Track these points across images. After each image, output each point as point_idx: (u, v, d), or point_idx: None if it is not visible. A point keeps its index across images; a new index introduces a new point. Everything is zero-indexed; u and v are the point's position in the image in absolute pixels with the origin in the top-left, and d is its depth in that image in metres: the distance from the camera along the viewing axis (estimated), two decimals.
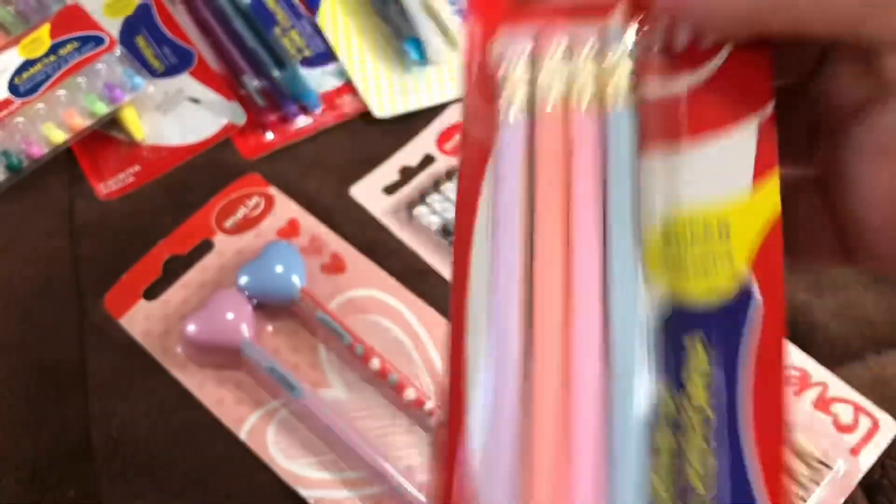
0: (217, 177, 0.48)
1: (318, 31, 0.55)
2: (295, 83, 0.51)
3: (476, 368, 0.19)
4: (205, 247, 0.45)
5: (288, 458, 0.39)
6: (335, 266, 0.45)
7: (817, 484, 0.37)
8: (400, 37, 0.53)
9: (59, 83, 0.48)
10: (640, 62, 0.20)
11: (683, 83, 0.20)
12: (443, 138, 0.50)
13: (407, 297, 0.44)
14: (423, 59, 0.52)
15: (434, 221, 0.46)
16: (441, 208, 0.47)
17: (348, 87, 0.53)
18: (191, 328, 0.41)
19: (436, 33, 0.53)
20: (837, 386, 0.40)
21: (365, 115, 0.51)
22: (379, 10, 0.54)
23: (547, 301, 0.19)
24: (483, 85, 0.21)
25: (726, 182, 0.19)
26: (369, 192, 0.48)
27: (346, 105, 0.52)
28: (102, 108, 0.49)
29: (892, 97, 0.18)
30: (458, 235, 0.20)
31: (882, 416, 0.39)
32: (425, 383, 0.41)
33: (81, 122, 0.48)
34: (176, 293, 0.44)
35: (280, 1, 0.56)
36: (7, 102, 0.47)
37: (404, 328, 0.43)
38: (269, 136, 0.51)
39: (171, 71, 0.53)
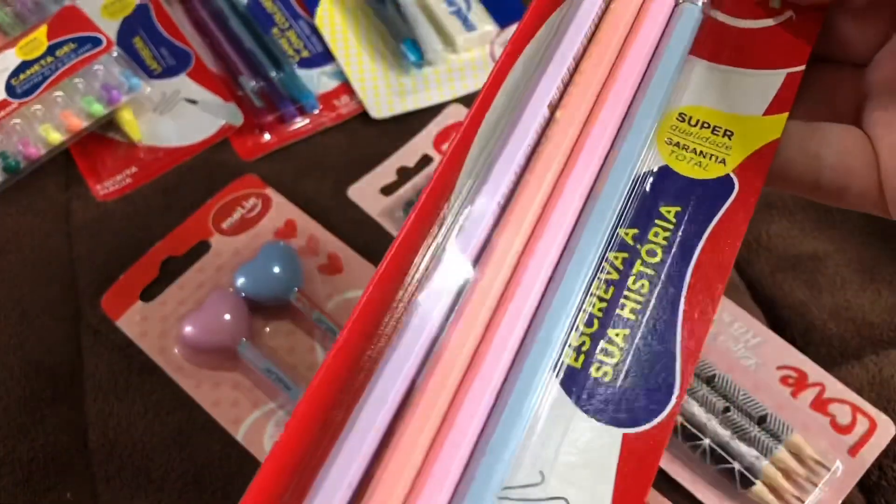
0: (214, 178, 0.48)
1: (315, 32, 0.55)
2: (292, 84, 0.52)
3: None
4: (202, 248, 0.45)
5: None
6: (332, 267, 0.45)
7: (815, 484, 0.37)
8: (397, 38, 0.53)
9: (57, 84, 0.48)
10: None
11: (745, 23, 0.25)
12: (440, 139, 0.50)
13: None
14: (421, 60, 0.52)
15: None
16: None
17: (346, 87, 0.53)
18: (188, 329, 0.41)
19: (433, 34, 0.53)
20: (835, 386, 0.40)
21: (362, 116, 0.52)
22: (376, 11, 0.54)
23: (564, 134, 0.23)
24: None
25: (743, 103, 0.24)
26: (366, 193, 0.48)
27: (344, 106, 0.52)
28: (100, 110, 0.49)
29: None
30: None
31: (880, 416, 0.39)
32: None
33: (79, 124, 0.48)
34: (173, 294, 0.44)
35: (278, 2, 0.56)
36: (4, 104, 0.47)
37: None
38: (267, 137, 0.51)
39: (168, 72, 0.53)
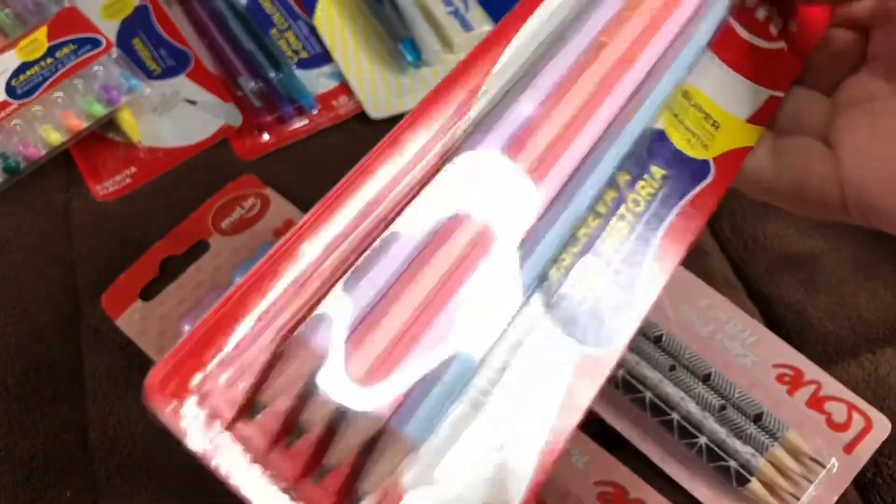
0: (213, 178, 0.48)
1: (314, 33, 0.55)
2: (291, 85, 0.52)
3: None
4: (201, 247, 0.46)
5: None
6: None
7: (811, 482, 0.37)
8: (395, 38, 0.53)
9: (57, 85, 0.48)
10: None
11: (748, 35, 0.28)
12: None
13: None
14: (419, 60, 0.52)
15: None
16: None
17: (344, 88, 0.53)
18: (187, 328, 0.41)
19: (431, 34, 0.53)
20: (831, 384, 0.40)
21: (360, 117, 0.52)
22: (374, 11, 0.55)
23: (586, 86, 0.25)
24: None
25: (734, 104, 0.26)
26: None
27: (342, 106, 0.52)
28: (100, 110, 0.49)
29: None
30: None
31: (875, 414, 0.39)
32: None
33: (79, 124, 0.49)
34: (172, 293, 0.44)
35: (276, 3, 0.56)
36: (5, 104, 0.48)
37: None
38: (266, 137, 0.51)
39: (167, 73, 0.53)
